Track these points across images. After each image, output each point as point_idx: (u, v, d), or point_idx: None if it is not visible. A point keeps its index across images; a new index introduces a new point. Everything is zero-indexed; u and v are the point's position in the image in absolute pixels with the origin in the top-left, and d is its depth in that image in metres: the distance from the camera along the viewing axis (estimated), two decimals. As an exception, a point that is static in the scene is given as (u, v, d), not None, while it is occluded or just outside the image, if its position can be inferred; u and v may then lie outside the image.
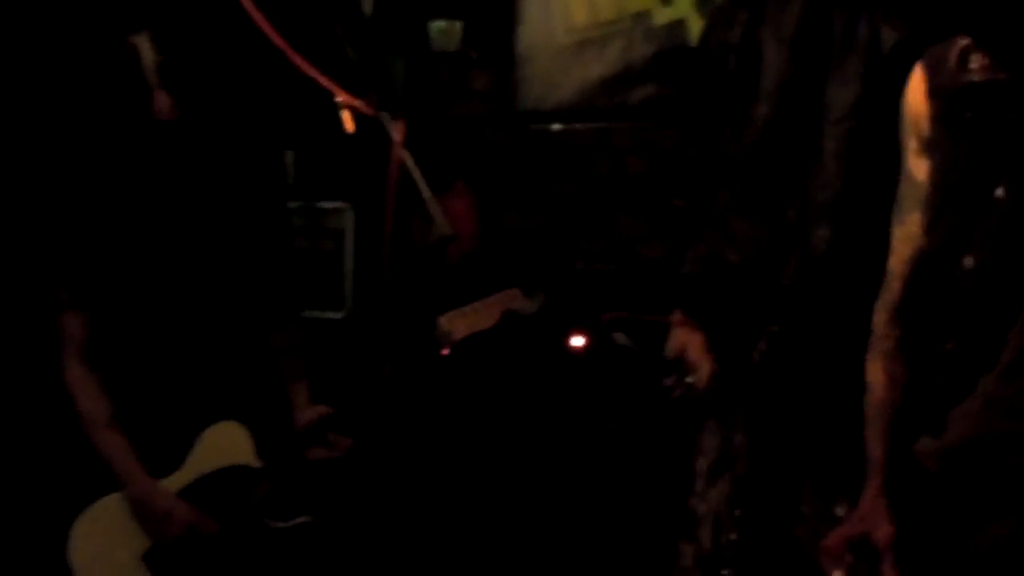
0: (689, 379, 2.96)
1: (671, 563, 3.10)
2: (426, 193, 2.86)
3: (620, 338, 4.01)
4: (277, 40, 2.92)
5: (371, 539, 3.48)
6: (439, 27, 5.01)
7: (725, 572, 2.95)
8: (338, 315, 4.91)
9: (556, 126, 4.91)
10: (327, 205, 4.96)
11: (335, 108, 2.98)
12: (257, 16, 2.92)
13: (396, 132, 2.82)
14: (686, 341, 2.98)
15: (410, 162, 2.85)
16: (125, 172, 3.16)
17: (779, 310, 2.81)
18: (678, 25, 4.67)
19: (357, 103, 2.88)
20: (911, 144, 2.36)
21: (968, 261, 2.23)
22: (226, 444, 3.19)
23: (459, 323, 3.08)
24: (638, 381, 3.86)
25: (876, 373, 2.43)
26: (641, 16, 4.74)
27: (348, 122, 2.92)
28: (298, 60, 2.90)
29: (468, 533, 4.31)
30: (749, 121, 2.86)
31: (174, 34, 3.08)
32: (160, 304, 3.17)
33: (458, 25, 5.02)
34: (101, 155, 3.18)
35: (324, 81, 2.86)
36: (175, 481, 3.14)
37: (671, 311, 3.06)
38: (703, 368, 2.94)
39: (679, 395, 2.99)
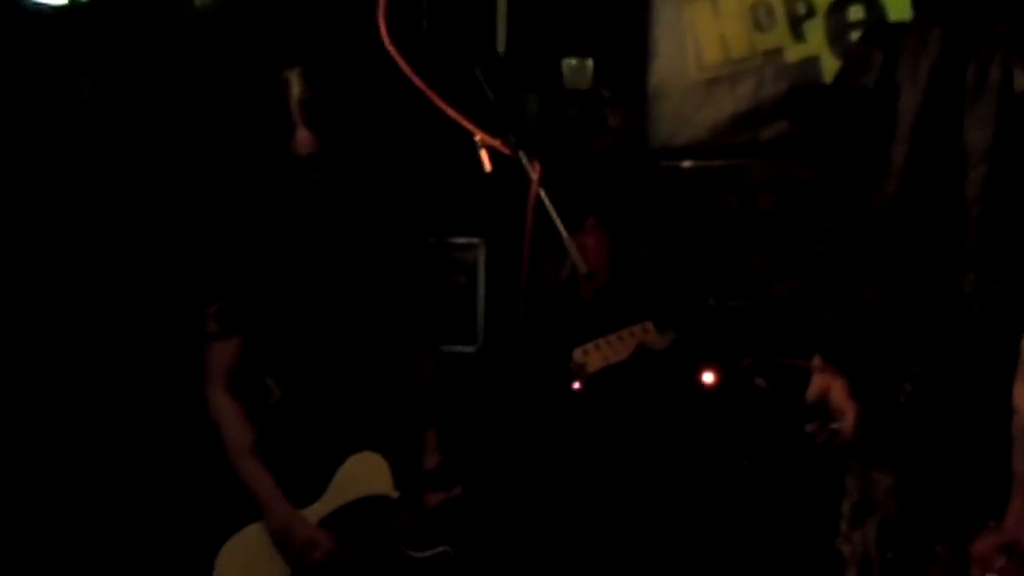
0: (834, 425, 2.92)
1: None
2: (562, 231, 2.89)
3: (760, 382, 4.00)
4: (417, 81, 2.98)
5: (508, 570, 3.49)
6: (571, 65, 5.06)
7: None
8: (470, 349, 4.95)
9: (687, 163, 4.93)
10: (460, 240, 5.02)
11: (470, 145, 3.03)
12: (399, 58, 2.98)
13: (534, 171, 2.86)
14: (828, 386, 2.95)
15: (546, 200, 2.88)
16: (266, 204, 3.21)
17: (922, 352, 2.79)
18: (811, 62, 4.68)
19: (496, 143, 2.92)
20: None
21: None
22: (365, 474, 3.23)
23: (593, 356, 3.10)
24: (775, 423, 3.85)
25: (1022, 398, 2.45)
26: (773, 54, 4.75)
27: (487, 162, 2.96)
28: (438, 100, 2.95)
29: (602, 569, 4.31)
30: (888, 166, 2.84)
31: (323, 72, 3.14)
32: (302, 335, 3.23)
33: (590, 63, 5.07)
34: (243, 186, 3.25)
35: (463, 121, 2.90)
36: (316, 511, 3.19)
37: (810, 355, 3.05)
38: (848, 414, 2.88)
39: (822, 441, 2.96)
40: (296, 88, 3.08)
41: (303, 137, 3.09)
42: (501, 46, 4.94)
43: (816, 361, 3.02)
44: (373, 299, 3.28)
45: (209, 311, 3.23)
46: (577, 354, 3.08)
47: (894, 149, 2.84)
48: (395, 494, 3.22)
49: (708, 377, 4.15)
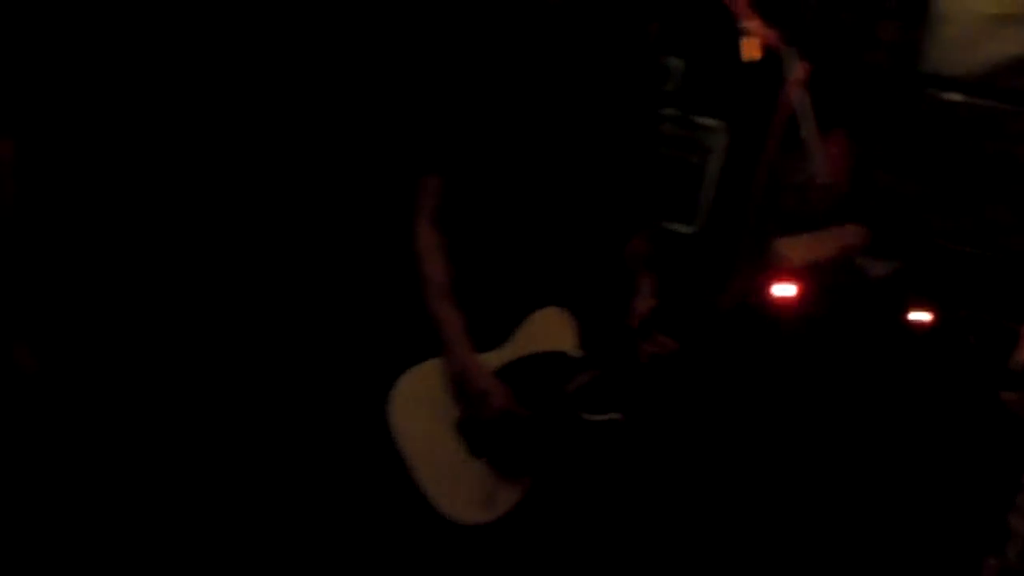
0: None
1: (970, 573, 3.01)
2: (813, 137, 2.82)
3: (971, 338, 3.87)
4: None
5: (670, 448, 3.48)
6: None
7: None
8: (687, 229, 4.90)
9: (954, 95, 4.75)
10: (703, 121, 4.94)
11: (736, 31, 2.95)
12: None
13: (798, 70, 2.78)
14: None
15: (806, 103, 2.81)
16: (508, 48, 3.18)
17: None
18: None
19: (767, 34, 2.85)
20: None
21: None
22: (550, 330, 3.24)
23: (798, 249, 3.03)
24: (973, 381, 3.73)
25: None
26: (1074, 3, 4.53)
27: (752, 49, 2.89)
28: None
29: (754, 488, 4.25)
30: None
31: None
32: (520, 182, 3.22)
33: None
34: (486, 25, 3.23)
35: (741, 4, 2.83)
36: (496, 358, 3.22)
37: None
38: None
39: (1017, 411, 2.86)
40: None
41: None
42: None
43: None
44: (597, 159, 3.24)
45: (435, 146, 3.24)
46: (783, 246, 3.01)
47: None
48: (578, 353, 3.22)
49: (920, 316, 4.03)
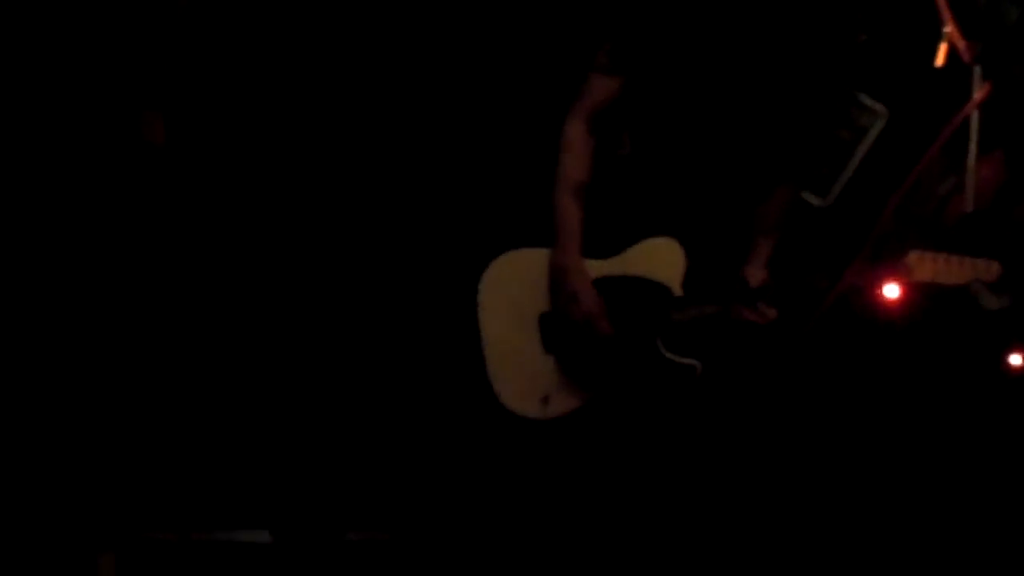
0: None
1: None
2: (972, 161, 2.78)
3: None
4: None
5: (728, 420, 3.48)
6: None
7: None
8: (817, 201, 4.85)
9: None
10: (867, 101, 4.85)
11: (938, 33, 2.90)
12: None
13: (979, 90, 2.73)
14: None
15: (975, 124, 2.76)
16: None
17: None
18: None
19: (962, 43, 2.79)
20: None
21: None
22: (662, 259, 3.25)
23: (926, 265, 2.98)
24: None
25: None
26: None
27: (942, 55, 2.84)
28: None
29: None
30: None
31: None
32: (679, 108, 3.22)
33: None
34: None
35: (947, 8, 2.77)
36: (600, 267, 3.25)
37: None
38: None
39: None
40: None
41: None
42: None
43: None
44: (764, 109, 3.23)
45: (606, 45, 3.23)
46: (913, 256, 2.96)
47: None
48: (679, 291, 3.22)
49: (1016, 360, 3.95)
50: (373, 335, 3.92)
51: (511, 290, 3.28)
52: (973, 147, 2.72)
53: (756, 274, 3.27)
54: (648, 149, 3.27)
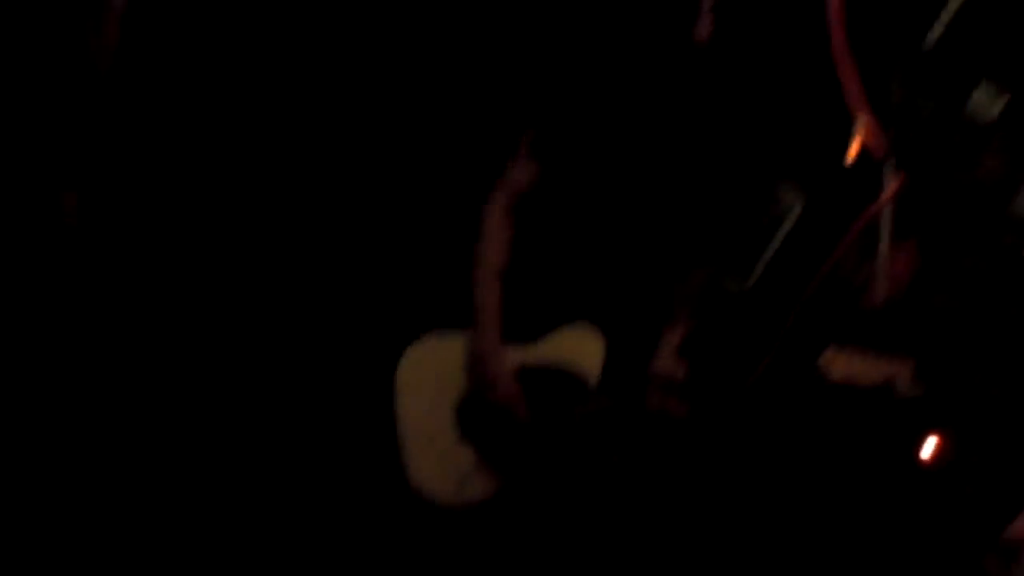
0: None
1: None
2: (884, 252, 2.81)
3: (968, 491, 3.82)
4: (839, 37, 2.89)
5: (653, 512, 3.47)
6: (985, 92, 4.83)
7: None
8: (737, 286, 4.87)
9: (1035, 246, 4.71)
10: (786, 187, 4.89)
11: (847, 122, 2.94)
12: (836, 8, 2.89)
13: (890, 184, 2.77)
14: None
15: (888, 217, 2.80)
16: (640, 70, 3.20)
17: None
18: None
19: (874, 136, 2.83)
20: None
21: None
22: (580, 346, 3.25)
23: (841, 363, 3.01)
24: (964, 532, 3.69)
25: None
26: None
27: (855, 148, 2.88)
28: (849, 69, 2.85)
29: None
30: None
31: None
32: (600, 197, 3.25)
33: (1004, 99, 4.83)
34: (630, 44, 3.23)
35: (860, 101, 2.81)
36: (519, 353, 3.24)
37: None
38: None
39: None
40: None
41: (705, 27, 3.06)
42: (931, 43, 4.72)
43: None
44: (682, 197, 3.26)
45: (527, 132, 3.25)
46: (828, 354, 2.99)
47: None
48: (597, 380, 3.22)
49: (926, 453, 3.97)
50: (288, 418, 3.87)
51: (429, 374, 3.26)
52: (885, 237, 2.74)
53: (670, 363, 3.28)
54: (568, 234, 3.27)
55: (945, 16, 4.70)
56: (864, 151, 2.92)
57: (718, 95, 3.21)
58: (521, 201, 3.28)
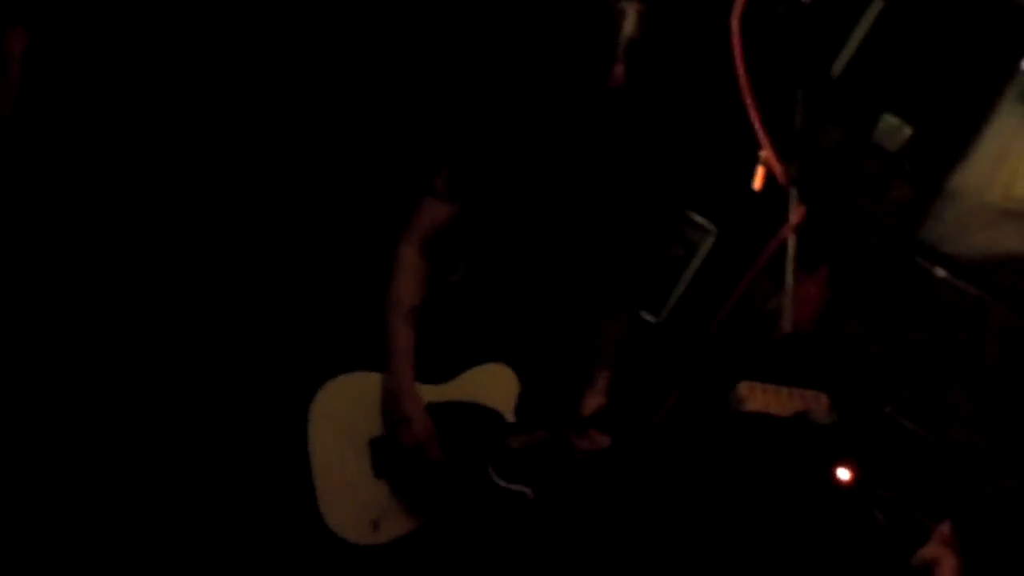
0: None
1: None
2: (789, 281, 2.83)
3: (880, 517, 3.87)
4: (742, 70, 2.91)
5: (572, 542, 3.48)
6: (890, 123, 4.90)
7: None
8: (652, 319, 4.90)
9: (941, 272, 4.77)
10: (696, 218, 4.94)
11: (755, 154, 2.96)
12: (737, 38, 2.91)
13: (795, 213, 2.79)
14: (939, 560, 2.83)
15: (792, 246, 2.81)
16: (556, 113, 3.22)
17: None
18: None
19: (777, 168, 2.85)
20: None
21: None
22: (495, 385, 3.26)
23: (756, 396, 3.02)
24: (873, 559, 3.73)
25: None
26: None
27: (759, 179, 2.90)
28: (751, 100, 2.87)
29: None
30: None
31: (660, 18, 3.09)
32: (515, 236, 3.25)
33: (908, 130, 4.90)
34: (545, 88, 3.25)
35: (761, 131, 2.83)
36: (433, 392, 3.23)
37: (945, 515, 2.92)
38: None
39: None
40: (630, 25, 3.04)
41: (619, 72, 3.06)
42: (838, 71, 4.79)
43: (944, 527, 2.90)
44: (599, 238, 3.27)
45: (442, 171, 3.24)
46: (743, 387, 3.00)
47: None
48: (511, 418, 3.22)
49: (844, 475, 4.02)
50: (200, 463, 3.84)
51: (342, 413, 3.24)
52: (790, 266, 2.76)
53: (593, 401, 3.28)
54: (482, 274, 3.27)
55: (851, 47, 4.78)
56: (770, 182, 2.93)
57: (631, 134, 3.23)
58: (434, 240, 3.27)
